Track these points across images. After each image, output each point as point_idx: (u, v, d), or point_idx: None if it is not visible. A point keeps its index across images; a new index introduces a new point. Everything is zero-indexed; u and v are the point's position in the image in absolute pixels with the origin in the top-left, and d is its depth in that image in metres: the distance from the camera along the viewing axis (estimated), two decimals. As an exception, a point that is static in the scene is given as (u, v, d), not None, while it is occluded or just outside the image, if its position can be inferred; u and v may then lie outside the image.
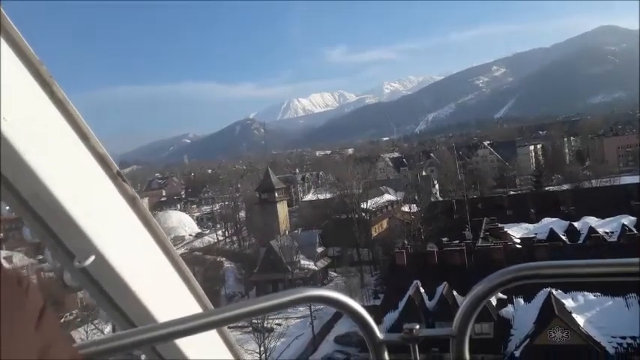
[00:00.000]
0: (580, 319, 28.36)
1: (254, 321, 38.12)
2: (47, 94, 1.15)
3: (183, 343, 1.47)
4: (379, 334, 1.09)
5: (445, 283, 33.00)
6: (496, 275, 1.00)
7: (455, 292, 32.58)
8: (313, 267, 61.16)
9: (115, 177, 1.33)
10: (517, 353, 28.02)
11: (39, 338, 0.62)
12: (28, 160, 1.10)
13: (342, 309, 1.08)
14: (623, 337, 27.47)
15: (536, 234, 44.41)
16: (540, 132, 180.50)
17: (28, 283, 0.66)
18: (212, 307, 1.55)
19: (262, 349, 38.76)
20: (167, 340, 1.15)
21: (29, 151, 1.09)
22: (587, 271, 0.97)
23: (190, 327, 1.02)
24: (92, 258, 1.25)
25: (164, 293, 1.48)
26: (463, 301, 1.05)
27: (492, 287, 1.01)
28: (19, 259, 63.39)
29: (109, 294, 1.38)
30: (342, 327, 43.69)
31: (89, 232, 1.24)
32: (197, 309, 1.56)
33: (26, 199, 1.17)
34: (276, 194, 77.45)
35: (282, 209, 78.99)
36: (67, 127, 1.20)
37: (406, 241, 49.20)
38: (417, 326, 1.08)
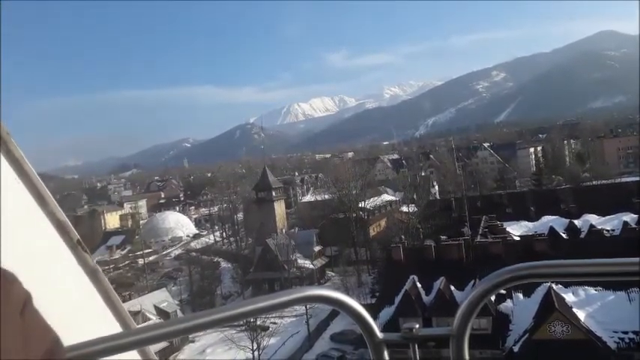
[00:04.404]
0: (581, 314, 27.68)
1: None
2: (2, 153, 1.01)
3: None
4: (379, 334, 1.08)
5: (442, 277, 32.31)
6: (495, 275, 1.01)
7: (452, 287, 31.95)
8: (310, 266, 60.37)
9: (75, 246, 1.21)
10: (516, 348, 27.32)
11: (24, 324, 0.66)
12: None
13: (342, 308, 1.05)
14: (625, 332, 26.81)
15: (536, 232, 43.79)
16: (540, 135, 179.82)
17: (13, 277, 0.69)
18: None
19: (255, 345, 38.07)
20: None
21: None
22: (586, 270, 0.96)
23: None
24: None
25: None
26: (462, 301, 1.05)
27: (491, 287, 1.01)
28: None
29: None
30: (338, 325, 43.03)
31: (41, 311, 1.06)
32: None
33: None
34: (274, 193, 76.76)
35: (280, 208, 78.30)
36: (24, 190, 1.06)
37: (403, 237, 48.51)
38: (417, 325, 1.07)
